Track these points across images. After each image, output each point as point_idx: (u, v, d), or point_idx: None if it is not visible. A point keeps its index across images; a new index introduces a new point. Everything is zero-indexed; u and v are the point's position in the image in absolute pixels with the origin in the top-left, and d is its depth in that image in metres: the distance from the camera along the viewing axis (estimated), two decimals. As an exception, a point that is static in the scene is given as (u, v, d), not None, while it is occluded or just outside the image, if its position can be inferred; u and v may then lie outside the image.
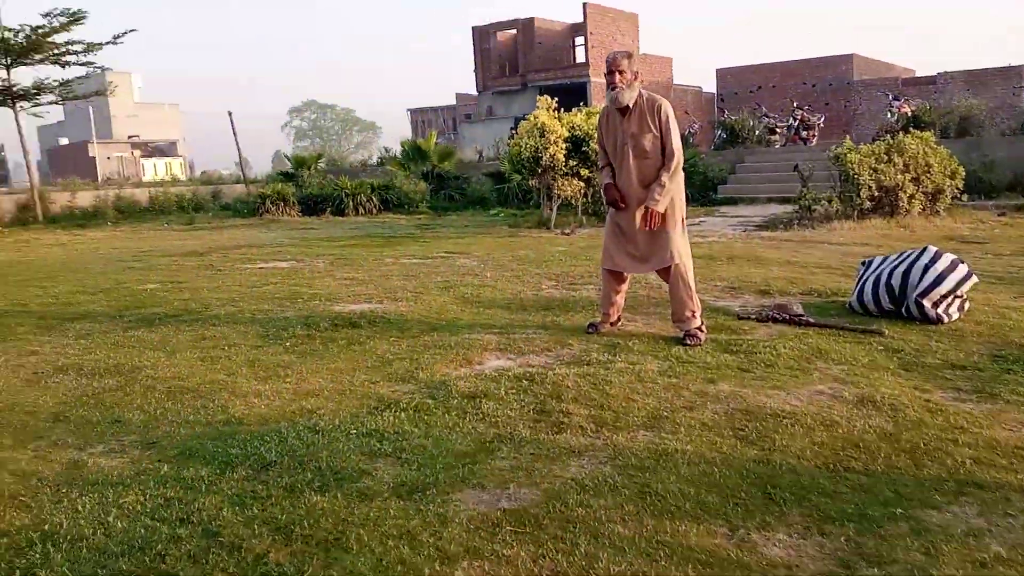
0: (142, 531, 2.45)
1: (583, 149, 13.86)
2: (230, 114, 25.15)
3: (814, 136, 21.05)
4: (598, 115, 14.07)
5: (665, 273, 4.94)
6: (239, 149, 26.04)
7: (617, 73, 4.82)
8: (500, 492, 2.71)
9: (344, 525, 2.47)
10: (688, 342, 4.71)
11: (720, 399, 3.66)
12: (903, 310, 5.39)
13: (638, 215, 4.91)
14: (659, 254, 4.85)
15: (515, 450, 3.07)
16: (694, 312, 4.84)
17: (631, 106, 4.87)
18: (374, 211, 19.56)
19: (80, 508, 2.63)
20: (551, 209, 14.35)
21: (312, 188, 20.96)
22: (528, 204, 18.56)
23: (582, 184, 14.07)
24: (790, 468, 2.89)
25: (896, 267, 5.54)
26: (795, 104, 24.20)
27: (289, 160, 25.81)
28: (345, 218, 18.75)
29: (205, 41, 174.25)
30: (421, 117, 56.43)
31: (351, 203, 19.43)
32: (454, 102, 55.02)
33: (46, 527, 2.49)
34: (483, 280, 7.62)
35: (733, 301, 6.24)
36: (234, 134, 25.43)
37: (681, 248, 4.86)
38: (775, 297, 6.32)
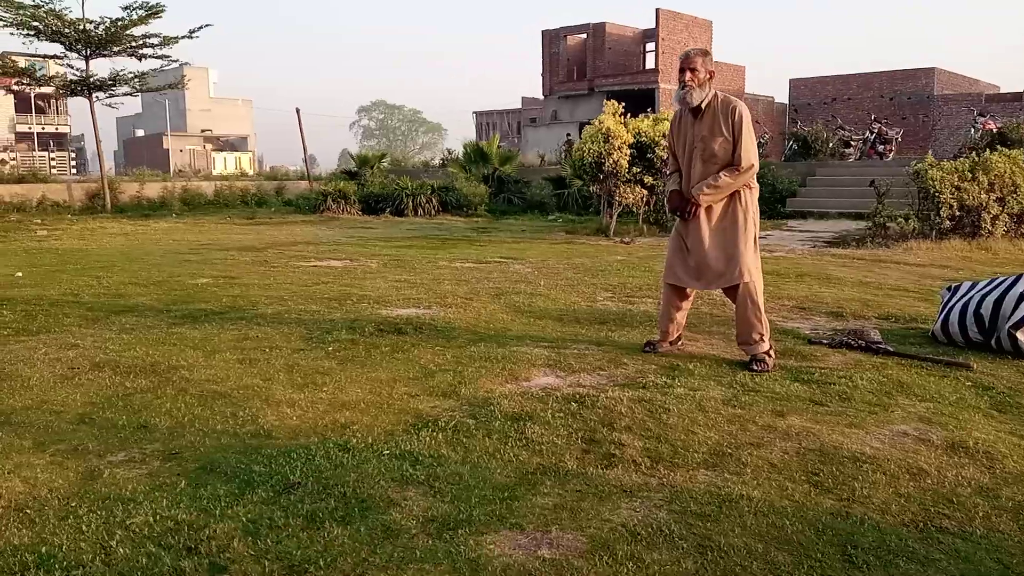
0: (143, 560, 2.23)
1: (648, 156, 13.49)
2: (298, 111, 25.51)
3: (891, 151, 20.21)
4: (667, 120, 13.56)
5: (732, 292, 4.58)
6: (304, 146, 26.37)
7: (689, 71, 4.50)
8: (540, 536, 2.41)
9: (364, 567, 2.21)
10: (755, 368, 4.34)
11: (791, 436, 3.30)
12: (993, 342, 4.92)
13: (705, 225, 4.56)
14: (728, 271, 4.49)
15: (559, 485, 2.77)
16: (762, 335, 4.46)
17: (703, 107, 4.54)
18: (433, 212, 19.46)
19: (84, 528, 2.43)
20: (611, 216, 14.00)
21: (374, 187, 21.01)
22: (588, 210, 18.23)
23: (645, 192, 13.70)
24: (873, 524, 2.53)
25: (987, 294, 5.07)
26: (873, 117, 23.28)
27: (353, 159, 25.97)
28: (404, 218, 18.69)
29: (280, 38, 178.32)
30: (486, 120, 56.57)
31: (411, 203, 19.37)
32: (519, 106, 54.97)
33: (44, 548, 2.29)
34: (536, 288, 7.34)
35: (803, 323, 5.83)
36: (301, 131, 25.74)
37: (752, 266, 4.48)
38: (848, 321, 5.89)
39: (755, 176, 4.59)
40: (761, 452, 3.10)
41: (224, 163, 53.00)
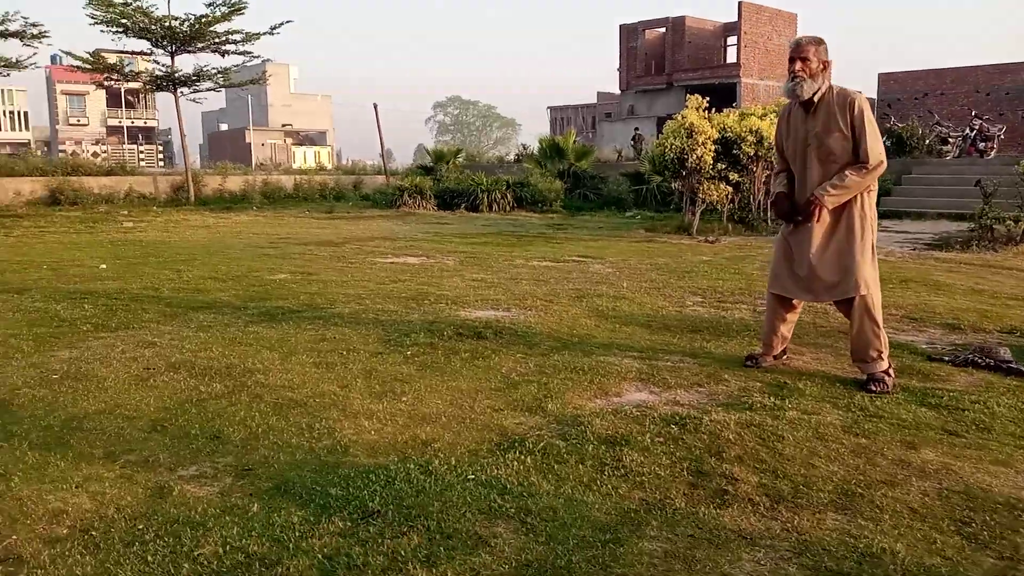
0: (209, 601, 2.02)
1: (733, 152, 12.99)
2: (375, 106, 25.67)
3: (992, 148, 19.02)
4: (753, 115, 12.90)
5: (846, 305, 4.15)
6: (382, 141, 26.54)
7: (800, 60, 4.08)
8: (650, 590, 2.11)
9: (451, 621, 1.95)
10: (873, 388, 3.91)
11: (927, 473, 2.90)
12: None
13: (817, 231, 4.15)
14: (843, 283, 4.06)
15: (668, 527, 2.45)
16: (880, 352, 4.03)
17: (816, 101, 4.12)
18: (508, 208, 19.26)
19: (150, 558, 2.24)
20: (693, 214, 13.51)
21: (449, 182, 20.93)
22: (667, 207, 17.73)
23: (729, 189, 13.18)
24: (1044, 592, 2.14)
25: None
26: (973, 113, 21.98)
27: (429, 154, 26.00)
28: (479, 214, 18.53)
29: (359, 34, 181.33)
30: (560, 115, 56.12)
31: (486, 199, 19.22)
32: (595, 100, 54.37)
33: (105, 581, 2.10)
34: (619, 291, 7.00)
35: (916, 336, 5.33)
36: (378, 126, 25.91)
37: (869, 277, 4.05)
38: (967, 334, 5.36)
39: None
40: (896, 493, 2.71)
41: (304, 157, 54.11)
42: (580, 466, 2.92)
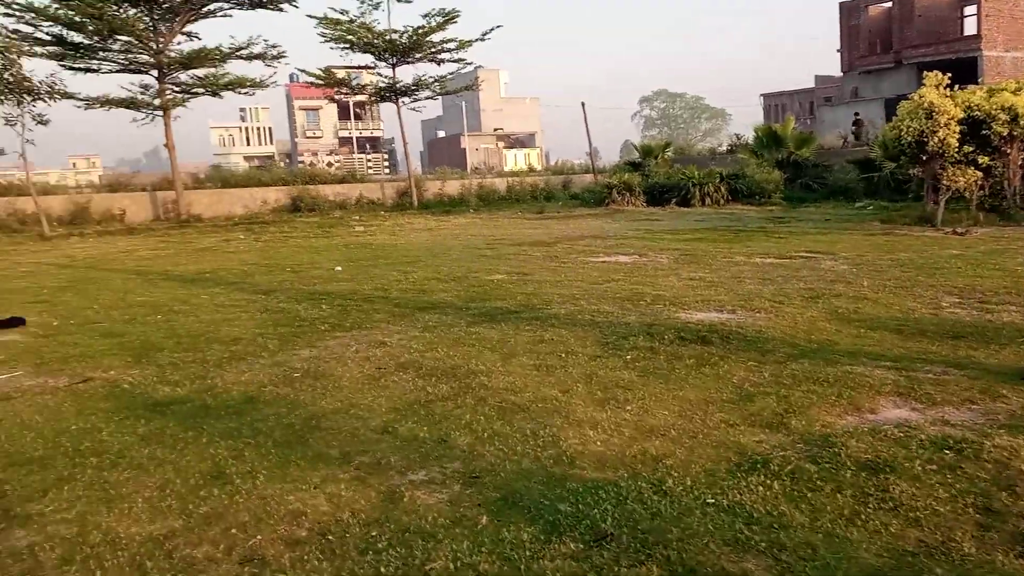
0: (444, 624, 1.94)
1: (983, 133, 11.57)
2: (583, 105, 25.76)
3: None
4: (1005, 91, 11.43)
5: None
6: (589, 140, 26.65)
7: None
8: (944, 658, 1.76)
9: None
10: None
11: None
12: None
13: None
14: None
15: (957, 578, 2.07)
16: None
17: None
18: (721, 201, 18.54)
19: (383, 568, 2.22)
20: (937, 203, 12.15)
21: (657, 177, 20.52)
22: (904, 196, 16.14)
23: (979, 174, 11.74)
24: None
25: None
26: None
27: (637, 149, 25.66)
28: (690, 209, 17.96)
29: (566, 36, 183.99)
30: (775, 102, 53.44)
31: (697, 193, 18.61)
32: (811, 85, 51.23)
33: (343, 591, 2.10)
34: (859, 290, 6.35)
35: None
36: (586, 125, 25.98)
37: None
38: None
39: None
40: None
41: (514, 160, 55.63)
42: (838, 496, 2.56)
